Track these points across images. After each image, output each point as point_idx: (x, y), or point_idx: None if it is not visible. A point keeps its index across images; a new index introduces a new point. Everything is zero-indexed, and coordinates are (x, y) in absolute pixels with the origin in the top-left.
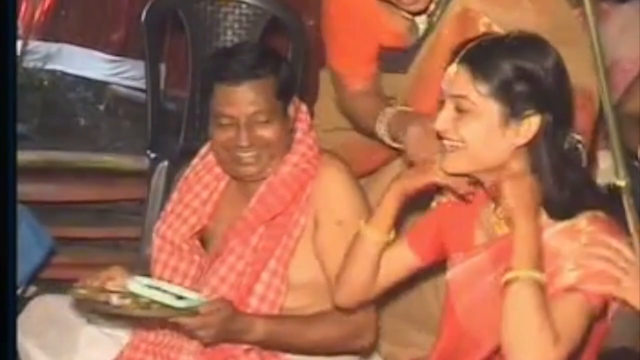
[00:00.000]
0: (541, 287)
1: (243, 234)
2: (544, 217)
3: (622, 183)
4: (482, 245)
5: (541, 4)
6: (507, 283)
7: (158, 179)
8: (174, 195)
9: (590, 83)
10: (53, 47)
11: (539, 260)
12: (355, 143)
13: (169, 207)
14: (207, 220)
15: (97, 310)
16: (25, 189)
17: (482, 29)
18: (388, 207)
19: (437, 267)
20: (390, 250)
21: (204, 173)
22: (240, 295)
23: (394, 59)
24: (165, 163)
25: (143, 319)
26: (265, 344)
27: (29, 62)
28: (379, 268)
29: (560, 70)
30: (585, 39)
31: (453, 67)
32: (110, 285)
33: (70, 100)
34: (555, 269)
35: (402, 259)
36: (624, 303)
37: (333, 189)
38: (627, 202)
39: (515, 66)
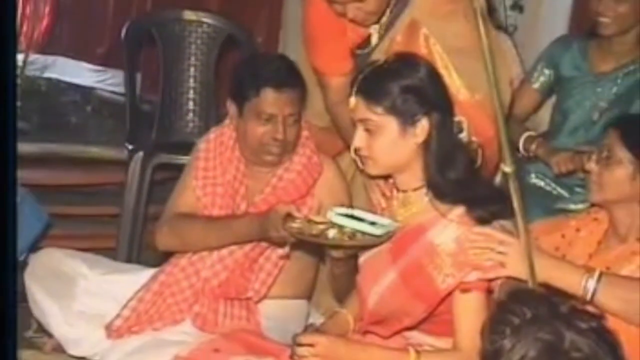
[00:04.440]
0: None
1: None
2: (428, 215)
3: (509, 169)
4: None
5: (473, 22)
6: None
7: (134, 167)
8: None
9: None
10: (49, 59)
11: None
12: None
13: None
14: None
15: (310, 242)
16: (27, 175)
17: (421, 38)
18: None
19: None
20: None
21: (229, 154)
22: (248, 262)
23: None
24: (141, 154)
25: (350, 248)
26: None
27: (30, 72)
28: None
29: (433, 76)
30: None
31: (352, 99)
32: (316, 218)
33: (64, 102)
34: (440, 269)
35: None
36: (511, 278)
37: (337, 181)
38: (512, 185)
39: (397, 85)
